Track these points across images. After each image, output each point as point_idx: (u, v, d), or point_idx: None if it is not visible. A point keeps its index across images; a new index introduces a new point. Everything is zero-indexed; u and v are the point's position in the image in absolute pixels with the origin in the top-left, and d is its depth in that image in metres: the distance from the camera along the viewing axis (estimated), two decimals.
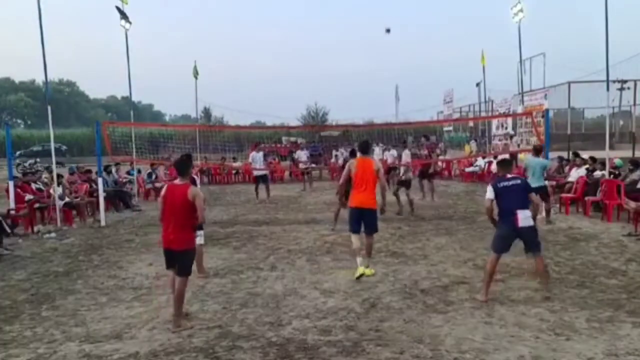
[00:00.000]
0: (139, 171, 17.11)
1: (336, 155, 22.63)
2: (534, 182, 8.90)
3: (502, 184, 5.89)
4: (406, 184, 12.06)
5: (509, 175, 6.03)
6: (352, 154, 8.02)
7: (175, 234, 5.08)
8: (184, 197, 5.02)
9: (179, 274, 5.14)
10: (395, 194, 11.87)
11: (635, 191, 10.11)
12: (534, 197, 6.06)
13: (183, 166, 5.29)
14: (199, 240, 6.93)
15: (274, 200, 14.93)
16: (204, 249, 7.26)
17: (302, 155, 18.38)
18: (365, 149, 7.24)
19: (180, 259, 5.12)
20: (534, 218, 5.92)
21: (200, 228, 6.95)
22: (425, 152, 15.26)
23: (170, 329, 5.03)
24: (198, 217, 5.09)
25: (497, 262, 5.89)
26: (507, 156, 10.24)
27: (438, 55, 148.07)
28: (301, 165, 18.21)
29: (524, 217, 5.70)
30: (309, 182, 17.92)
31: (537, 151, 10.09)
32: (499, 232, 5.87)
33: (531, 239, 5.82)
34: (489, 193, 5.93)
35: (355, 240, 6.96)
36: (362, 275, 6.64)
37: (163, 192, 5.26)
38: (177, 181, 5.26)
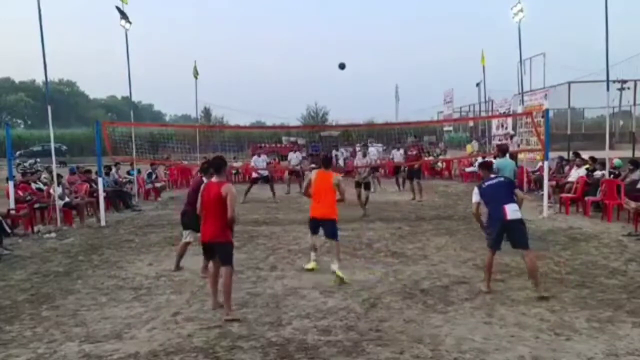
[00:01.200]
0: (139, 171, 17.11)
1: (336, 156, 22.60)
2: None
3: (487, 184, 6.16)
4: (365, 185, 12.09)
5: (492, 176, 6.34)
6: (314, 161, 8.23)
7: (211, 228, 5.42)
8: (218, 193, 5.34)
9: (222, 264, 5.46)
10: (359, 196, 11.89)
11: (635, 191, 10.11)
12: (520, 192, 6.21)
13: (218, 165, 5.64)
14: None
15: (272, 199, 14.93)
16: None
17: (293, 157, 18.34)
18: (327, 164, 7.54)
19: (219, 251, 5.45)
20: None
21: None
22: (414, 152, 15.26)
23: (223, 318, 5.27)
24: (229, 212, 5.33)
25: (493, 257, 6.12)
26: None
27: (438, 55, 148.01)
28: (291, 166, 18.16)
29: (511, 210, 5.86)
30: (298, 184, 17.68)
31: (504, 151, 9.66)
32: (491, 229, 6.09)
33: (520, 233, 5.91)
34: (475, 196, 6.18)
35: (312, 238, 7.35)
36: (313, 269, 7.15)
37: (202, 188, 5.66)
38: (214, 179, 5.60)
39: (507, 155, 9.75)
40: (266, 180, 15.42)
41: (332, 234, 7.06)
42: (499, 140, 22.74)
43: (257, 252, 8.41)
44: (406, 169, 15.61)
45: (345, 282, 6.51)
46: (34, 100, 73.52)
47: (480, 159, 20.32)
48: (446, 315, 5.35)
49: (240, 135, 34.47)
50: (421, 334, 4.83)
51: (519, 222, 5.92)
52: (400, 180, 16.74)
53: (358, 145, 22.73)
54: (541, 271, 6.81)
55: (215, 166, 5.70)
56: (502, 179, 6.25)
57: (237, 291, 6.29)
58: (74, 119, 71.41)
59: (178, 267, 7.28)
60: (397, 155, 17.70)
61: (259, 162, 16.09)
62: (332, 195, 7.07)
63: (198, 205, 5.68)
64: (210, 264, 5.73)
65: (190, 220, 7.03)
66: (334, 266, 6.76)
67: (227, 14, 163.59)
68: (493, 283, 6.30)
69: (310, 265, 7.25)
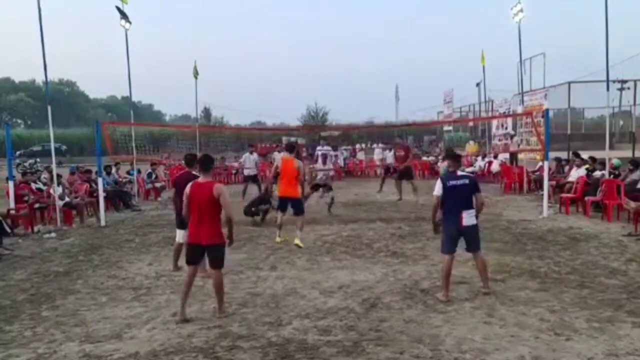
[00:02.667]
0: (139, 171, 17.10)
1: (336, 155, 22.59)
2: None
3: (451, 183, 5.92)
4: (324, 187, 12.11)
5: (459, 173, 6.14)
6: (288, 150, 9.12)
7: (204, 229, 5.28)
8: (210, 194, 5.22)
9: (212, 266, 5.39)
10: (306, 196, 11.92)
11: (635, 191, 10.11)
12: (480, 196, 6.04)
13: (205, 163, 5.51)
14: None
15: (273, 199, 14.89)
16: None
17: (278, 157, 18.41)
18: (291, 150, 8.96)
19: (212, 254, 5.35)
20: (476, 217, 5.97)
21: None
22: (402, 152, 15.21)
23: (217, 316, 5.36)
24: (227, 213, 5.30)
25: (452, 262, 5.95)
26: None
27: (438, 55, 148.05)
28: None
29: (467, 217, 5.82)
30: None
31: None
32: (446, 232, 5.99)
33: (473, 238, 5.93)
34: (437, 189, 5.97)
35: (280, 217, 8.77)
36: (283, 241, 8.66)
37: (188, 190, 5.41)
38: (201, 179, 5.43)
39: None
40: (253, 179, 15.22)
41: (299, 210, 8.65)
42: (499, 140, 22.75)
43: (257, 252, 8.41)
44: (393, 170, 15.58)
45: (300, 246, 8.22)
46: (34, 100, 73.46)
47: (480, 159, 20.41)
48: (446, 315, 5.35)
49: (241, 135, 34.48)
50: (421, 334, 4.83)
51: (474, 227, 5.90)
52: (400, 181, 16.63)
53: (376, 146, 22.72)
54: (541, 271, 6.84)
55: (204, 165, 5.51)
56: (467, 180, 5.99)
57: (237, 291, 6.31)
58: (74, 119, 71.34)
59: (176, 267, 7.27)
60: (389, 156, 17.44)
61: (249, 159, 15.91)
62: (296, 177, 8.50)
63: (184, 206, 5.44)
64: (188, 271, 5.46)
65: (182, 221, 7.07)
66: (298, 235, 8.44)
67: (227, 13, 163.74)
68: (493, 283, 6.30)
69: (279, 239, 8.71)
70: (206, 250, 5.36)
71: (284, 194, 8.61)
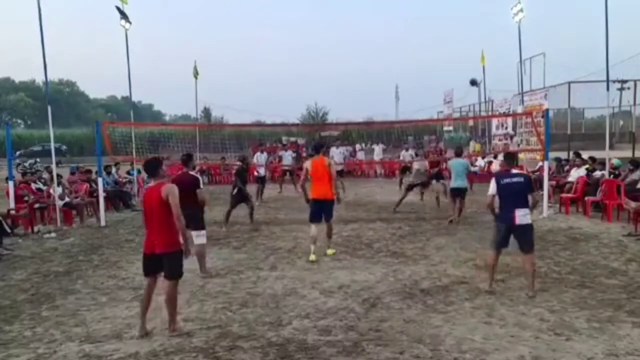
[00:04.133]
0: (139, 171, 17.09)
1: (332, 156, 22.59)
2: (455, 182, 10.67)
3: (504, 181, 6.02)
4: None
5: (513, 171, 6.22)
6: (315, 150, 8.70)
7: (157, 237, 4.87)
8: (159, 197, 4.83)
9: (168, 277, 4.94)
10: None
11: (635, 191, 10.11)
12: (535, 196, 6.17)
13: (150, 167, 5.13)
14: (202, 240, 6.96)
15: (273, 200, 14.92)
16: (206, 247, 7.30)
17: (286, 155, 18.34)
18: (319, 149, 8.39)
19: (168, 263, 4.91)
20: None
21: (203, 228, 6.99)
22: (436, 157, 15.25)
23: (168, 334, 4.91)
24: (174, 215, 4.79)
25: (498, 257, 6.15)
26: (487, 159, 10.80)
27: (438, 55, 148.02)
28: (284, 166, 18.15)
29: (520, 215, 5.86)
30: (294, 184, 17.64)
31: (458, 154, 11.42)
32: (497, 229, 6.11)
33: (525, 238, 5.93)
34: (492, 189, 6.08)
35: (314, 229, 7.93)
36: (314, 261, 7.71)
37: (143, 195, 5.11)
38: (152, 183, 5.06)
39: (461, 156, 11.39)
40: (261, 180, 15.27)
41: (329, 215, 8.02)
42: (499, 140, 22.76)
43: (257, 252, 8.41)
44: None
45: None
46: (34, 100, 73.46)
47: (479, 159, 20.39)
48: (446, 315, 5.35)
49: (241, 134, 34.48)
50: (421, 334, 4.83)
51: (527, 227, 5.93)
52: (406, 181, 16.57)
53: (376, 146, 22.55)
54: (541, 271, 6.84)
55: (148, 169, 5.11)
56: (521, 179, 6.05)
57: (237, 291, 6.31)
58: (74, 119, 71.34)
59: (206, 270, 7.15)
60: (407, 156, 17.37)
61: (261, 158, 15.93)
62: (329, 177, 7.87)
63: (142, 214, 5.08)
64: (146, 283, 5.12)
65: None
66: (327, 243, 8.08)
67: (227, 13, 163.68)
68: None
69: (313, 256, 7.76)
70: (162, 260, 4.89)
71: (317, 195, 7.91)
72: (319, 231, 7.96)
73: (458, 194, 10.76)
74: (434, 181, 14.34)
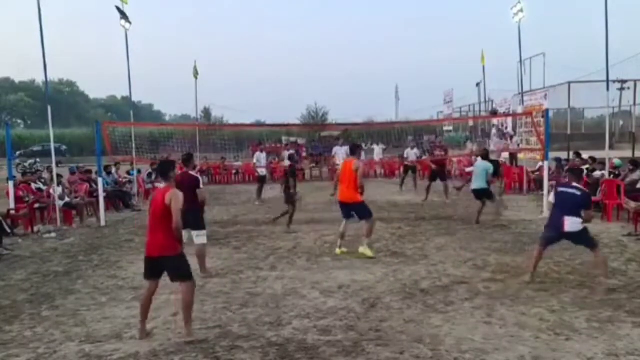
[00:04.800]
0: (139, 171, 17.11)
1: (333, 156, 22.57)
2: (474, 184, 10.61)
3: (561, 189, 6.50)
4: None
5: (573, 184, 6.45)
6: (315, 161, 8.76)
7: (158, 241, 4.82)
8: (162, 200, 4.78)
9: (178, 280, 4.90)
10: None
11: (635, 191, 10.12)
12: (588, 213, 6.33)
13: (163, 168, 5.09)
14: (202, 239, 6.97)
15: (273, 200, 14.92)
16: (207, 247, 7.31)
17: (286, 155, 18.39)
18: (354, 151, 8.55)
19: (169, 267, 4.87)
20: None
21: (203, 227, 7.00)
22: (442, 153, 15.22)
23: (184, 340, 4.77)
24: (173, 221, 4.71)
25: (541, 252, 6.50)
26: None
27: (438, 55, 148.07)
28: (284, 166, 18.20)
29: (570, 223, 6.18)
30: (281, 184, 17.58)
31: (483, 156, 11.24)
32: (547, 230, 6.51)
33: (581, 240, 6.37)
34: (551, 197, 6.69)
35: (343, 225, 8.16)
36: (343, 253, 7.95)
37: (150, 196, 5.04)
38: (161, 185, 5.01)
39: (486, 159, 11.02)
40: (262, 180, 15.27)
41: (362, 215, 7.93)
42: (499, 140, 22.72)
43: (257, 252, 8.41)
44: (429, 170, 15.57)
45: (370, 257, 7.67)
46: (34, 100, 73.44)
47: (479, 159, 20.38)
48: (446, 315, 5.35)
49: (241, 134, 34.48)
50: (421, 334, 4.83)
51: (579, 232, 6.25)
52: (412, 180, 16.55)
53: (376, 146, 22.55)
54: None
55: (161, 170, 5.05)
56: (577, 192, 6.27)
57: (237, 291, 6.31)
58: (74, 119, 71.34)
59: (206, 270, 7.19)
60: (412, 154, 17.29)
61: (262, 158, 15.89)
62: (354, 181, 7.80)
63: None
64: (146, 285, 5.07)
65: (183, 220, 7.08)
66: (364, 242, 7.88)
67: (227, 14, 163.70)
68: (493, 283, 6.31)
69: (338, 250, 8.04)
70: (163, 264, 4.85)
71: (342, 198, 8.07)
72: (348, 228, 8.15)
73: (477, 196, 10.66)
74: (437, 181, 14.37)
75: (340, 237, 8.16)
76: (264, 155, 16.02)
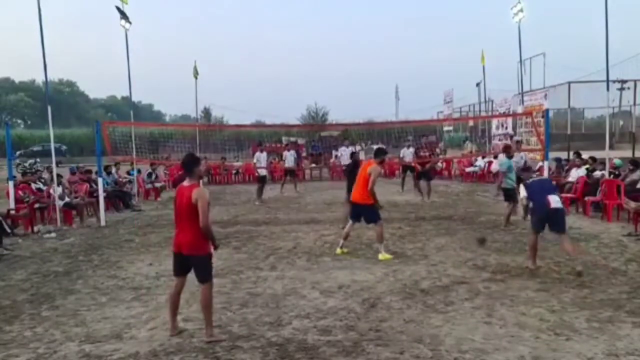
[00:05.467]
0: (139, 171, 17.11)
1: (336, 156, 22.58)
2: (506, 182, 10.29)
3: (531, 180, 7.33)
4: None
5: (534, 176, 7.43)
6: (315, 160, 8.74)
7: (187, 239, 4.78)
8: (189, 199, 4.71)
9: (199, 280, 4.88)
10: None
11: (635, 191, 10.11)
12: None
13: (188, 164, 4.94)
14: None
15: (273, 200, 14.93)
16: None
17: (288, 155, 18.35)
18: (377, 154, 8.43)
19: (196, 266, 4.85)
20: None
21: None
22: (427, 153, 15.13)
23: (204, 340, 4.75)
24: (200, 221, 4.67)
25: (537, 238, 7.05)
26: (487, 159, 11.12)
27: (438, 55, 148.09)
28: (286, 166, 18.16)
29: (554, 200, 6.81)
30: (294, 184, 17.60)
31: (507, 152, 10.77)
32: (535, 216, 7.09)
33: (558, 221, 6.83)
34: (523, 191, 7.23)
35: (348, 225, 8.24)
36: (343, 254, 8.00)
37: (175, 193, 5.02)
38: (185, 182, 4.94)
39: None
40: (263, 180, 15.30)
41: (370, 219, 7.98)
42: (499, 140, 22.75)
43: (257, 252, 8.41)
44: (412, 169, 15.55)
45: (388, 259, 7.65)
46: (34, 100, 73.47)
47: (480, 159, 20.40)
48: (446, 315, 5.35)
49: (241, 135, 34.46)
50: (421, 334, 4.83)
51: (562, 210, 6.96)
52: (412, 179, 16.50)
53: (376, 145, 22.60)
54: (541, 271, 6.85)
55: (186, 166, 4.93)
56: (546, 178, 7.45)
57: (237, 291, 6.31)
58: (74, 119, 71.39)
59: None
60: (408, 154, 17.23)
61: (262, 158, 15.89)
62: (366, 182, 7.84)
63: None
64: (175, 284, 5.04)
65: None
66: (380, 249, 7.85)
67: (227, 14, 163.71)
68: (494, 283, 6.31)
69: (338, 250, 8.09)
70: (190, 262, 4.84)
71: (354, 198, 8.12)
72: (352, 229, 8.20)
73: (507, 195, 10.32)
74: (421, 180, 14.34)
75: (343, 237, 8.16)
76: (264, 155, 15.98)
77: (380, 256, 7.73)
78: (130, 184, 15.56)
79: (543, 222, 6.92)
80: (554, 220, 6.82)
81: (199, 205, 4.66)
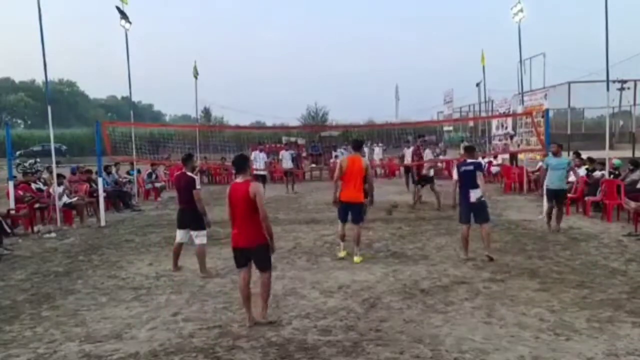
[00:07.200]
0: (139, 171, 17.11)
1: (336, 156, 22.57)
2: (555, 183, 9.53)
3: (462, 169, 7.59)
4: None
5: (468, 161, 7.65)
6: (314, 161, 8.56)
7: (245, 232, 5.10)
8: (246, 194, 5.02)
9: (259, 269, 5.22)
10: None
11: (635, 191, 10.11)
12: (480, 177, 7.50)
13: (239, 163, 5.30)
14: (202, 240, 7.01)
15: (273, 200, 14.92)
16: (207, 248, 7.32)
17: (286, 155, 18.35)
18: (358, 147, 8.06)
19: (257, 256, 5.17)
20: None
21: (203, 228, 7.04)
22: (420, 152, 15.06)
23: (261, 321, 5.15)
24: (260, 214, 5.02)
25: (468, 230, 7.59)
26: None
27: (438, 55, 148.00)
28: (284, 166, 18.17)
29: (474, 195, 7.37)
30: (291, 185, 17.68)
31: (555, 152, 9.77)
32: (461, 207, 7.64)
33: (479, 212, 7.48)
34: (455, 175, 7.85)
35: (341, 227, 7.91)
36: (344, 257, 7.72)
37: (227, 191, 5.29)
38: (239, 179, 5.23)
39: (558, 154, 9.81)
40: (263, 179, 15.34)
41: (357, 218, 7.70)
42: (499, 140, 22.76)
43: None
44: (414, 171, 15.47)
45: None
46: (34, 100, 73.43)
47: (479, 159, 20.38)
48: (446, 315, 5.35)
49: (241, 135, 34.45)
50: (421, 334, 4.83)
51: (480, 205, 7.46)
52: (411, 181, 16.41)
53: (376, 146, 22.62)
54: (541, 271, 6.85)
55: (238, 165, 5.32)
56: (471, 167, 7.55)
57: (237, 291, 6.28)
58: (74, 119, 71.32)
59: (176, 267, 7.27)
60: (409, 154, 17.05)
61: (259, 158, 15.93)
62: (361, 179, 7.55)
63: (226, 208, 5.31)
64: (240, 275, 5.30)
65: (183, 219, 7.19)
66: (355, 251, 7.66)
67: (227, 14, 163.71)
68: (494, 283, 6.32)
69: (342, 253, 7.80)
70: (250, 253, 5.17)
71: (347, 198, 7.59)
72: (347, 229, 7.83)
73: (554, 196, 9.56)
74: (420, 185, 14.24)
75: (341, 238, 7.90)
76: (262, 155, 16.01)
77: (356, 258, 7.56)
78: (130, 184, 15.56)
79: (468, 214, 7.55)
80: (475, 213, 7.49)
81: (257, 199, 5.01)
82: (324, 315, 5.39)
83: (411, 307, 5.61)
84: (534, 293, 5.96)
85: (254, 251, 5.15)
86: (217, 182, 21.42)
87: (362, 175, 7.51)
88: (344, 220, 7.79)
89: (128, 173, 16.58)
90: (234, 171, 5.74)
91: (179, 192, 7.30)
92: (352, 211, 7.66)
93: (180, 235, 7.25)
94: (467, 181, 7.44)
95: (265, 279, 5.23)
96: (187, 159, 7.44)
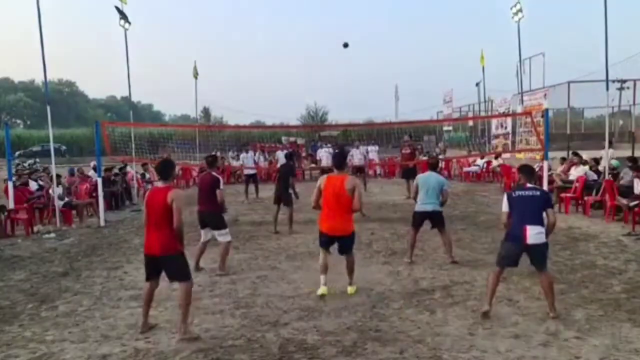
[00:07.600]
0: (123, 169, 17.11)
1: (319, 159, 22.56)
2: (428, 203, 7.49)
3: (517, 194, 5.38)
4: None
5: (528, 185, 5.43)
6: (314, 161, 7.59)
7: (159, 240, 4.82)
8: (164, 200, 4.78)
9: (178, 280, 4.92)
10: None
11: (628, 191, 10.20)
12: (551, 213, 5.29)
13: (165, 169, 5.09)
14: (226, 237, 7.14)
15: (270, 199, 14.91)
16: (207, 248, 7.36)
17: (281, 156, 18.46)
18: (340, 162, 6.09)
19: (169, 266, 4.87)
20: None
21: (225, 227, 7.18)
22: (408, 151, 15.21)
23: (181, 337, 4.76)
24: (174, 221, 4.73)
25: (500, 275, 5.41)
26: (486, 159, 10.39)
27: (438, 55, 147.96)
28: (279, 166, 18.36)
29: (534, 234, 5.11)
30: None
31: (433, 166, 8.03)
32: (505, 245, 5.36)
33: (538, 256, 5.23)
34: (504, 205, 5.43)
35: (323, 256, 6.05)
36: (323, 295, 5.91)
37: (147, 195, 5.12)
38: (160, 184, 5.05)
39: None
40: (253, 179, 15.62)
41: (348, 249, 6.01)
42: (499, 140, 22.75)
43: (257, 252, 8.41)
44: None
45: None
46: (33, 100, 73.44)
47: (479, 159, 20.40)
48: (446, 315, 5.34)
49: (241, 135, 34.48)
50: (421, 334, 4.83)
51: (541, 246, 5.19)
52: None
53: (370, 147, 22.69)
54: None
55: (161, 170, 5.09)
56: (537, 192, 5.30)
57: (237, 291, 6.30)
58: (73, 119, 71.35)
59: (198, 267, 7.17)
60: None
61: (248, 159, 16.46)
62: (346, 204, 5.79)
63: (143, 213, 5.03)
64: (146, 285, 5.08)
65: (203, 219, 7.26)
66: (348, 281, 6.11)
67: (227, 14, 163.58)
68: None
69: (322, 289, 5.96)
70: (162, 263, 4.86)
71: (331, 230, 5.87)
72: (330, 260, 6.11)
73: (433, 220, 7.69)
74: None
75: (323, 271, 6.02)
76: (249, 155, 16.97)
77: (350, 289, 6.06)
78: (115, 185, 15.51)
79: (514, 258, 5.31)
80: (532, 257, 5.28)
81: (174, 205, 4.75)
82: (323, 315, 5.38)
83: (411, 306, 5.61)
84: (534, 293, 5.95)
85: (169, 260, 4.82)
86: None
87: (348, 200, 5.76)
88: (327, 246, 6.06)
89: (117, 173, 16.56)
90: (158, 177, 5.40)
91: (202, 192, 7.27)
92: (340, 244, 6.00)
93: (204, 234, 7.31)
94: (525, 213, 5.19)
95: (184, 288, 4.85)
96: (213, 162, 7.56)
